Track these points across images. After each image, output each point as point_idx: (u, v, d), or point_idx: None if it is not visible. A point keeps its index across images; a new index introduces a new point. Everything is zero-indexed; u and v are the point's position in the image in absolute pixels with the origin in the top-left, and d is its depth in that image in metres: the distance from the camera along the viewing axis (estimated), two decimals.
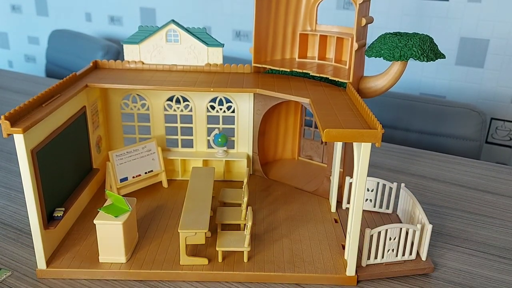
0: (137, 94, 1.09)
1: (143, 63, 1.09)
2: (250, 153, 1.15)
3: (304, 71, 1.02)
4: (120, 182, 1.02)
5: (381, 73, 0.93)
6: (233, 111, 1.11)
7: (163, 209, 0.99)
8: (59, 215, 0.83)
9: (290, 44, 1.10)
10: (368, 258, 0.82)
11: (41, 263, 0.80)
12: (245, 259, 0.83)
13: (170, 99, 1.09)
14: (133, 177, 1.04)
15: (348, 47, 1.02)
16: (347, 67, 1.01)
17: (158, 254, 0.85)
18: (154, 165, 1.08)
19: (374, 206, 1.00)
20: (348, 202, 0.98)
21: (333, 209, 1.01)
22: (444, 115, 1.69)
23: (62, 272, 0.80)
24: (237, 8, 2.33)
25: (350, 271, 0.80)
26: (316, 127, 1.19)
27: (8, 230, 0.94)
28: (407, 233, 0.82)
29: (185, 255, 0.81)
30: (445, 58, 0.88)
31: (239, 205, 0.97)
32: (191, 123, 1.12)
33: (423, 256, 0.84)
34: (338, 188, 1.01)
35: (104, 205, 0.84)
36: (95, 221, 0.80)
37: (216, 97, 1.10)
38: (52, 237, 0.83)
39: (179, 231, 0.80)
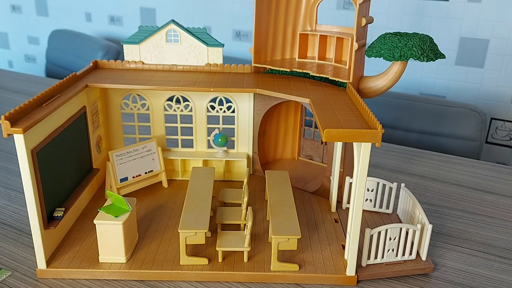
0: (137, 94, 1.09)
1: (143, 63, 1.09)
2: (250, 153, 1.15)
3: (304, 71, 1.02)
4: (120, 182, 1.02)
5: (381, 73, 0.93)
6: (233, 111, 1.11)
7: (163, 209, 1.00)
8: (59, 215, 0.83)
9: (290, 44, 1.10)
10: (368, 258, 0.82)
11: (41, 263, 0.80)
12: (245, 259, 0.83)
13: (170, 99, 1.09)
14: (133, 177, 1.04)
15: (348, 47, 1.02)
16: (347, 67, 1.01)
17: (158, 254, 0.85)
18: (154, 165, 1.08)
19: (374, 206, 1.00)
20: (348, 202, 0.98)
21: (333, 209, 1.01)
22: (444, 115, 1.69)
23: (62, 272, 0.80)
24: (237, 8, 2.33)
25: (350, 271, 0.80)
26: (316, 127, 1.19)
27: (8, 230, 0.94)
28: (407, 233, 0.83)
29: (185, 255, 0.81)
30: (445, 58, 0.88)
31: (239, 205, 0.97)
32: (191, 123, 1.12)
33: (423, 256, 0.84)
34: (338, 188, 1.01)
35: (104, 205, 0.84)
36: (95, 221, 0.80)
37: (216, 97, 1.10)
38: (52, 237, 0.83)
39: (179, 231, 0.80)
